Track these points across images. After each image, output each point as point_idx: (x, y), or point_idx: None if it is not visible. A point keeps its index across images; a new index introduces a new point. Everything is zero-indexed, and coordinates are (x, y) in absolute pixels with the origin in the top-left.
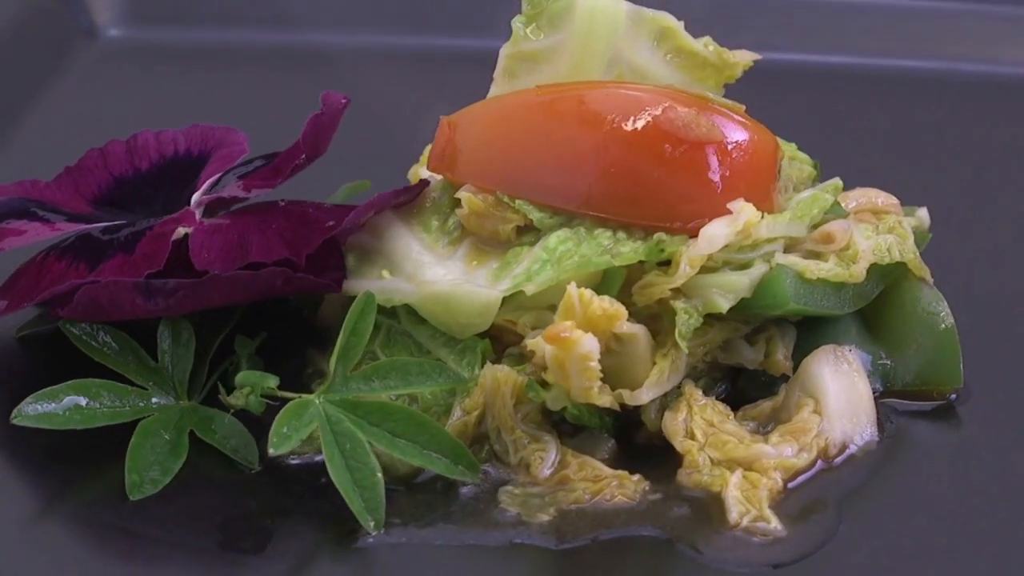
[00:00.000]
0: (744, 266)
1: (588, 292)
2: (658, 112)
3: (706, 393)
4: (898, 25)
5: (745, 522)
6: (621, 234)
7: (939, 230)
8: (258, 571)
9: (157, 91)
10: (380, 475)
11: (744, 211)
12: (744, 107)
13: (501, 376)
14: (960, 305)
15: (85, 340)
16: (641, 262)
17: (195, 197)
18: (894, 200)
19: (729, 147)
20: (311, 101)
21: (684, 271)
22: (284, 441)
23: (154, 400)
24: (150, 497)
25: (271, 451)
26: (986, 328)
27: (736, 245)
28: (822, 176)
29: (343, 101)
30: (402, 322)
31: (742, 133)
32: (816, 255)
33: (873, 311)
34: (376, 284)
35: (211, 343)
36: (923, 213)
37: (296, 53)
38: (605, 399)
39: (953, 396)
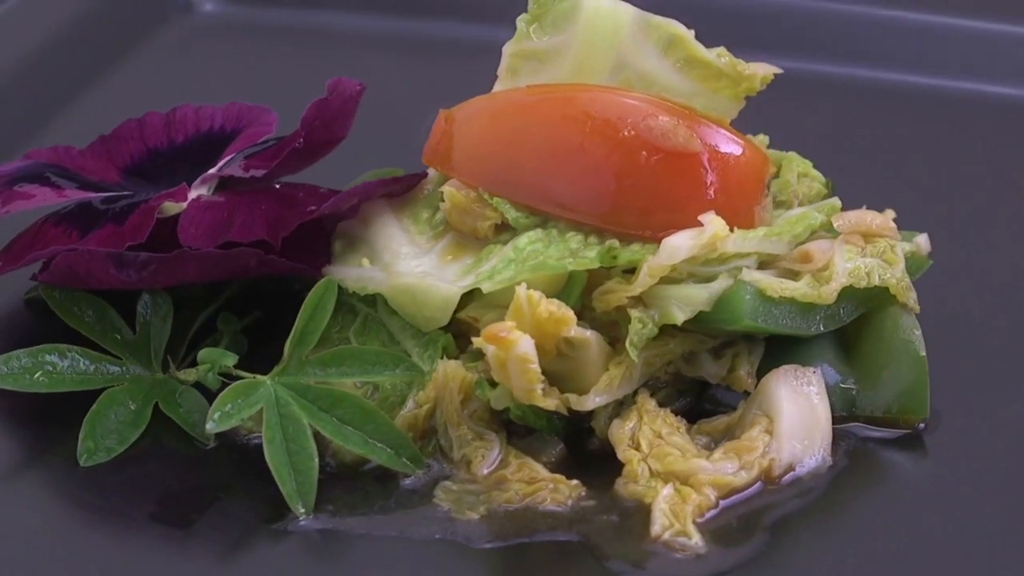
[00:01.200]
0: (708, 279)
1: (537, 294)
2: (638, 119)
3: (666, 404)
4: (951, 45)
5: (666, 536)
6: (592, 239)
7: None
8: (181, 545)
9: (244, 68)
10: (316, 461)
11: (712, 224)
12: (729, 120)
13: (450, 371)
14: (945, 332)
15: (64, 306)
16: (609, 268)
17: (204, 174)
18: (890, 224)
19: (707, 160)
20: (391, 85)
21: (643, 280)
22: (225, 419)
23: (126, 370)
24: (102, 465)
25: (208, 427)
26: (971, 357)
27: (701, 258)
28: (837, 195)
29: (357, 88)
30: (379, 311)
31: (725, 147)
32: (793, 274)
33: (852, 334)
34: (354, 271)
35: (194, 318)
36: (922, 239)
37: (383, 37)
38: (550, 402)
39: (921, 426)
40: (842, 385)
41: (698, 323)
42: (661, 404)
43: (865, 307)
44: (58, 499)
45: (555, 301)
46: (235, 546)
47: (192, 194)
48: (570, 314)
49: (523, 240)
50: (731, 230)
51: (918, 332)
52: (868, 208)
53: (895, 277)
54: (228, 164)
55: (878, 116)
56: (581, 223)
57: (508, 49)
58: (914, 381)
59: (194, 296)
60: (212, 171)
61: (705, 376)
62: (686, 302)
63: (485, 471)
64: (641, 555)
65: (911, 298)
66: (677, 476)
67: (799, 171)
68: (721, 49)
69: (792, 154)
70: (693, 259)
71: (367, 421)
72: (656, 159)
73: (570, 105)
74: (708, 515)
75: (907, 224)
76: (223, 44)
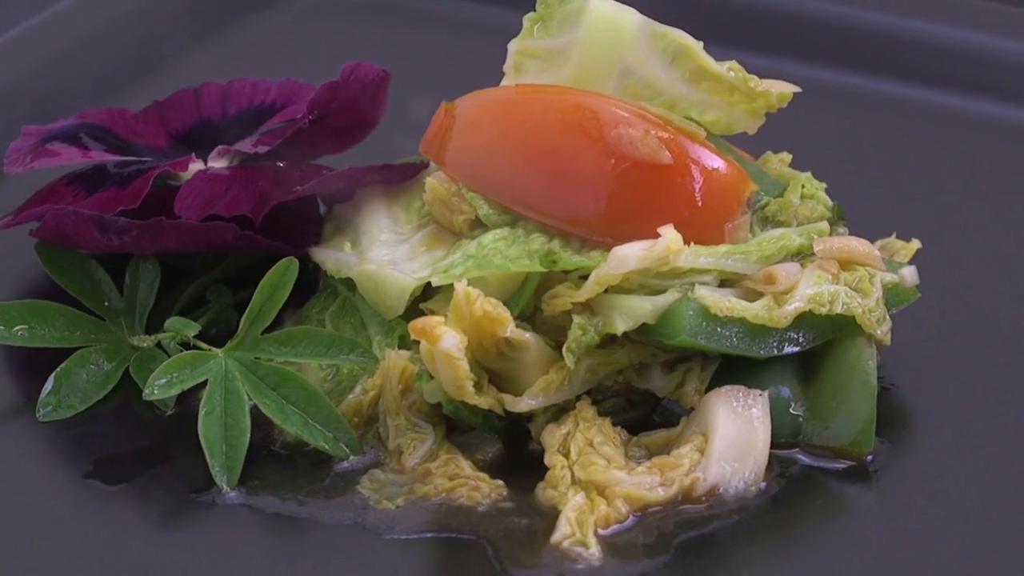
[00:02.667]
0: (659, 292)
1: (475, 292)
2: (609, 126)
3: (614, 414)
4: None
5: (566, 544)
6: (556, 242)
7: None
8: (95, 507)
9: (352, 48)
10: (247, 438)
11: (667, 237)
12: (704, 133)
13: (392, 361)
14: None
15: (55, 264)
16: (567, 272)
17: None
18: (874, 254)
19: (677, 173)
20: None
21: (588, 287)
22: (166, 387)
23: (106, 333)
24: (61, 421)
25: (145, 392)
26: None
27: (653, 270)
28: (845, 220)
29: (380, 73)
30: (355, 296)
31: (698, 162)
32: (756, 294)
33: (815, 361)
34: (334, 254)
35: (185, 288)
36: (907, 272)
37: (492, 24)
38: (483, 400)
39: (869, 458)
40: (791, 411)
41: (644, 335)
42: (608, 413)
43: (830, 335)
44: (5, 444)
45: (492, 300)
46: (149, 512)
47: (203, 166)
48: (506, 314)
49: (488, 237)
50: (688, 244)
51: (873, 364)
52: (889, 235)
53: (864, 307)
54: (245, 140)
55: (922, 137)
56: (549, 226)
57: (513, 46)
58: (861, 414)
59: (188, 267)
60: (222, 146)
61: (653, 389)
62: (629, 313)
63: (412, 463)
64: (537, 561)
65: (881, 330)
66: (595, 485)
67: (804, 193)
68: (732, 63)
69: (805, 175)
70: (645, 271)
71: (310, 403)
72: (624, 167)
73: (547, 107)
74: (616, 528)
75: (930, 252)
76: (334, 23)
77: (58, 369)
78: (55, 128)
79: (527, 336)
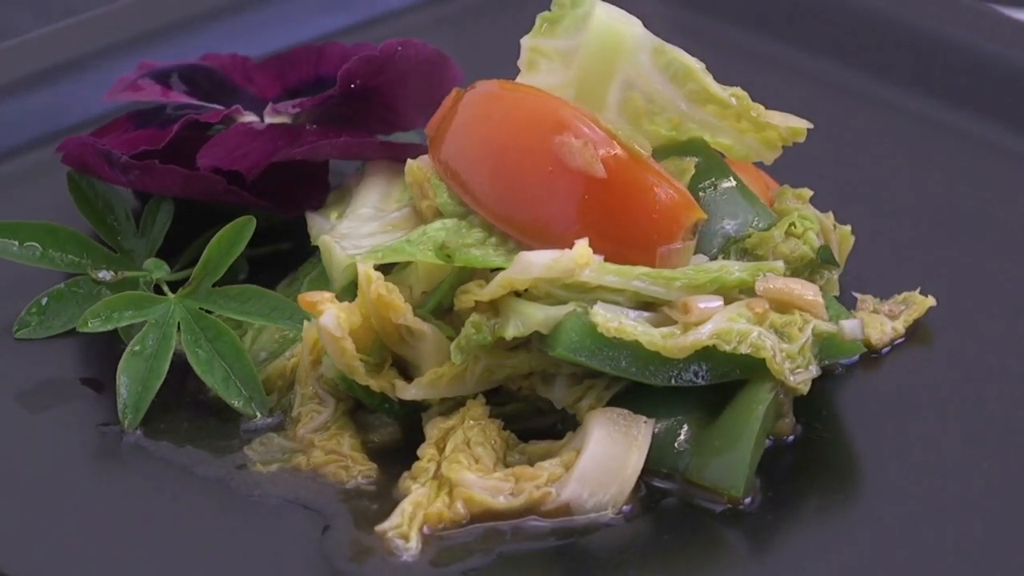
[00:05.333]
0: (561, 303)
1: (375, 275)
2: (552, 132)
3: (517, 419)
4: None
5: (390, 534)
6: (493, 239)
7: None
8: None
9: None
10: (159, 384)
11: (575, 250)
12: (650, 151)
13: (306, 330)
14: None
15: (81, 191)
16: (494, 270)
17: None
18: (817, 301)
19: (608, 189)
20: None
21: (491, 288)
22: (103, 322)
23: (114, 264)
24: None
25: (78, 323)
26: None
27: (560, 281)
28: (835, 265)
29: (435, 54)
30: None
31: (637, 182)
32: (673, 322)
33: (725, 398)
34: (319, 221)
35: (198, 234)
36: (849, 324)
37: None
38: (372, 382)
39: (747, 500)
40: (676, 444)
41: (540, 345)
42: (510, 417)
43: (737, 374)
44: None
45: (388, 285)
46: (55, 435)
47: (257, 120)
48: (399, 301)
49: (434, 225)
50: (614, 262)
51: (764, 410)
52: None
53: (784, 352)
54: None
55: None
56: (492, 224)
57: (526, 43)
58: (739, 459)
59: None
60: (272, 104)
61: (552, 399)
62: (523, 319)
63: (303, 432)
64: (359, 545)
65: (795, 378)
66: (451, 483)
67: (791, 231)
68: (736, 89)
69: (803, 214)
70: (553, 280)
71: (236, 360)
72: (559, 175)
73: (512, 106)
74: (453, 529)
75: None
76: None
77: (52, 289)
78: (161, 65)
79: (424, 326)
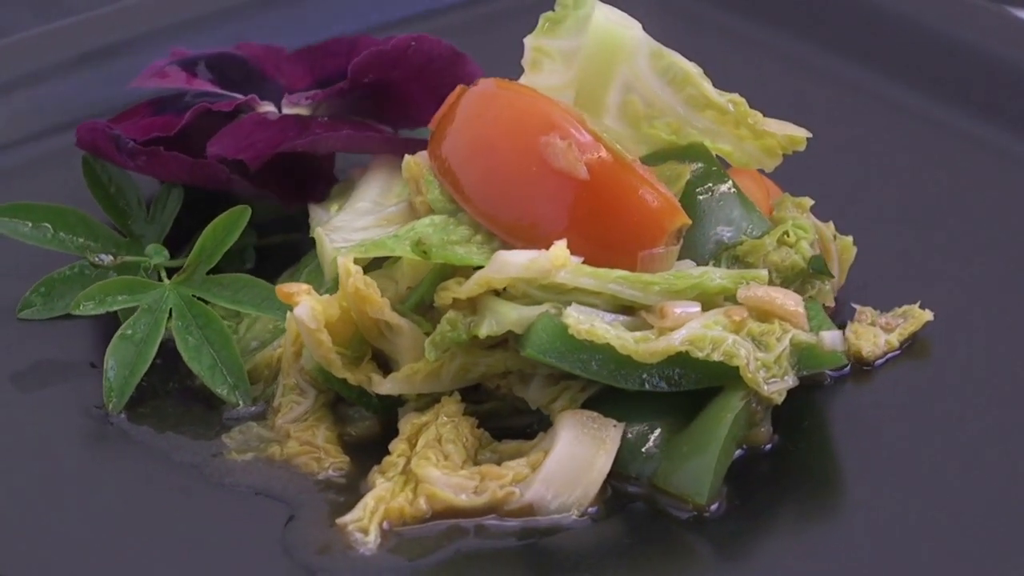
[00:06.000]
0: (537, 304)
1: (354, 268)
2: (541, 132)
3: (495, 417)
4: None
5: (351, 527)
6: (478, 237)
7: None
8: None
9: None
10: (144, 369)
11: (552, 251)
12: (637, 157)
13: (290, 321)
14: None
15: (94, 173)
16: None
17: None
18: (799, 312)
19: (591, 191)
20: None
21: (468, 285)
22: (95, 305)
23: (123, 249)
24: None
25: (70, 308)
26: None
27: (536, 281)
28: (828, 275)
29: (446, 48)
30: None
31: (620, 185)
32: (649, 326)
33: (695, 404)
34: (320, 212)
35: (206, 222)
36: (829, 336)
37: None
38: (349, 375)
39: (714, 507)
40: (645, 448)
41: (516, 344)
42: (488, 415)
43: (710, 381)
44: None
45: (367, 279)
46: (33, 419)
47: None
48: (375, 295)
49: (423, 222)
50: (594, 264)
51: (733, 418)
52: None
53: (756, 360)
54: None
55: None
56: (479, 222)
57: (529, 42)
58: (703, 466)
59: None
60: (289, 95)
61: (527, 399)
62: (497, 318)
63: (281, 422)
64: (320, 537)
65: (770, 387)
66: (419, 480)
67: (783, 240)
68: (734, 96)
69: (798, 223)
70: (530, 281)
71: (223, 348)
72: (543, 175)
73: (505, 105)
74: (414, 525)
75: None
76: None
77: (56, 271)
78: (191, 53)
79: (401, 321)
